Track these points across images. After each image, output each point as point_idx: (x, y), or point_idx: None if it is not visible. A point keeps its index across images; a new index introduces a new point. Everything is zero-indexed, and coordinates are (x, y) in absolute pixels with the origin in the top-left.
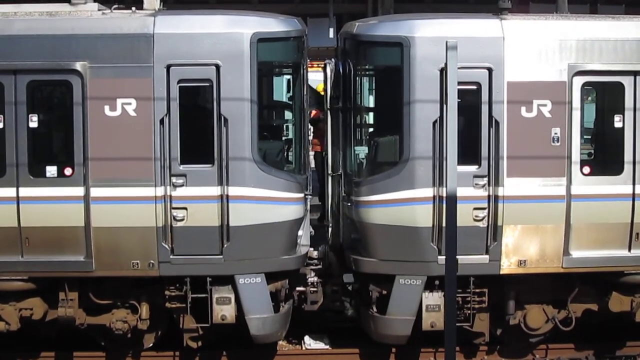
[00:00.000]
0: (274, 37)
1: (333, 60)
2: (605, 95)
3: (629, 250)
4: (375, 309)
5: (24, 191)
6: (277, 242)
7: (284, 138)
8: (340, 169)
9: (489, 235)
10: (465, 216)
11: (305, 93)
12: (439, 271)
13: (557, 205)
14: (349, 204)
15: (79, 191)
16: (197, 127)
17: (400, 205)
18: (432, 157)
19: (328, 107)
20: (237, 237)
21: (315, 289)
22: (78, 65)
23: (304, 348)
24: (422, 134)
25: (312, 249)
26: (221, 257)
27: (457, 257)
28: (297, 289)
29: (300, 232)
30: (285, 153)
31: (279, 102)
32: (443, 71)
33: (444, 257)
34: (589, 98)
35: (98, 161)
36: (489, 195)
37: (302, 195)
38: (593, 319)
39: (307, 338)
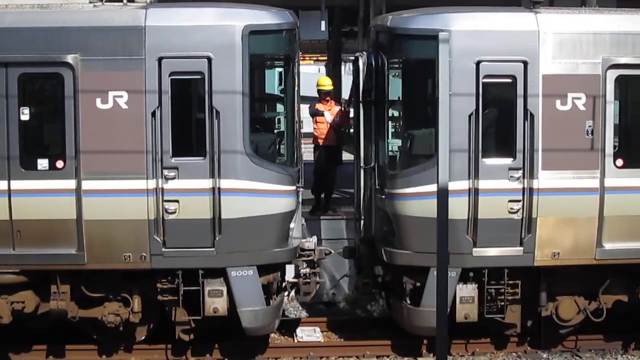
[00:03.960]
0: (265, 30)
1: (365, 53)
2: (639, 88)
3: None
4: (409, 301)
5: (16, 184)
6: (269, 234)
7: (275, 131)
8: (373, 161)
9: (524, 228)
10: (500, 208)
11: (297, 85)
12: (474, 263)
13: (591, 198)
14: (383, 197)
15: (71, 184)
16: (188, 119)
17: (436, 198)
18: (467, 150)
19: (360, 100)
20: (229, 230)
21: (307, 281)
22: (69, 58)
23: (296, 341)
24: (458, 127)
25: (304, 240)
26: (213, 249)
27: (493, 248)
28: (290, 280)
29: (292, 225)
30: (277, 146)
31: (270, 94)
32: (479, 64)
33: (479, 249)
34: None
35: (90, 154)
36: (523, 188)
37: (294, 187)
38: (622, 310)
39: (299, 330)
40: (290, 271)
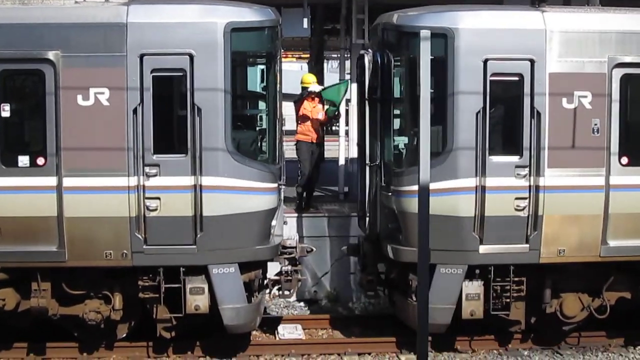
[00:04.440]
0: (248, 27)
1: (370, 51)
2: None
3: None
4: (414, 298)
5: None
6: (250, 232)
7: (257, 128)
8: (378, 159)
9: (530, 225)
10: (507, 206)
11: (279, 83)
12: (480, 260)
13: (596, 196)
14: (389, 194)
15: (52, 181)
16: (170, 116)
17: (443, 195)
18: (475, 148)
19: (366, 97)
20: (210, 227)
21: (289, 278)
22: (50, 55)
23: (277, 338)
24: (465, 125)
25: (285, 237)
26: (194, 247)
27: (499, 246)
28: (271, 277)
29: (273, 222)
30: (259, 143)
31: (252, 92)
32: (487, 62)
33: (485, 246)
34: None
35: (71, 151)
36: (530, 186)
37: (275, 185)
38: (624, 307)
39: (280, 328)
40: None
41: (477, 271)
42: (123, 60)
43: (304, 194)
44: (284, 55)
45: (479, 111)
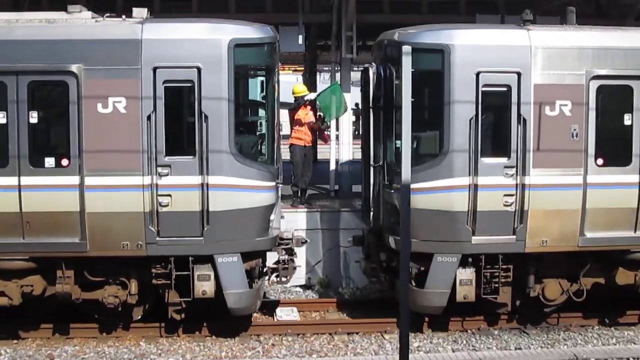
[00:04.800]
0: (249, 43)
1: (374, 64)
2: (617, 97)
3: (635, 231)
4: (414, 284)
5: (25, 180)
6: (251, 225)
7: (257, 133)
8: (382, 160)
9: (516, 219)
10: (496, 202)
11: (277, 92)
12: (473, 250)
13: (575, 193)
14: (392, 191)
15: (75, 180)
16: (180, 122)
17: (440, 192)
18: (468, 150)
19: (370, 106)
20: (216, 221)
21: (286, 266)
22: (74, 67)
23: (275, 320)
24: (460, 130)
25: (282, 230)
26: (202, 238)
27: (489, 237)
28: (270, 266)
29: (272, 217)
30: (259, 146)
31: (253, 100)
32: (479, 74)
33: (477, 237)
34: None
35: (92, 153)
36: (516, 184)
37: (273, 183)
38: (600, 291)
39: (278, 310)
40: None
41: (470, 259)
42: (138, 72)
43: (299, 192)
44: (281, 68)
45: (472, 118)
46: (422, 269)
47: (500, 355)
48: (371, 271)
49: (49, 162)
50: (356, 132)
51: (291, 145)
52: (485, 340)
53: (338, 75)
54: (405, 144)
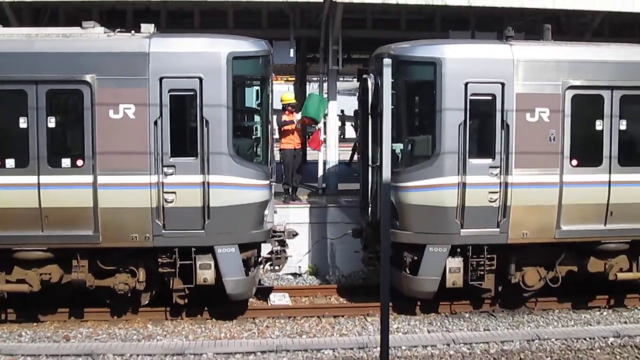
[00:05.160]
0: (246, 56)
1: (372, 75)
2: (590, 105)
3: (605, 224)
4: (408, 271)
5: (44, 179)
6: (248, 219)
7: (253, 136)
8: (379, 161)
9: (500, 213)
10: (482, 198)
11: (271, 100)
12: (461, 241)
13: (552, 190)
14: None
15: (89, 179)
16: (184, 127)
17: (432, 190)
18: (457, 152)
19: (369, 112)
20: (216, 216)
21: (278, 256)
22: (88, 77)
23: (269, 304)
24: (450, 134)
25: (276, 224)
26: (203, 231)
27: (476, 230)
28: (264, 256)
29: (266, 212)
30: (255, 148)
31: (249, 107)
32: (467, 85)
33: (465, 230)
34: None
35: (104, 154)
36: (500, 182)
37: (267, 182)
38: (573, 278)
39: (272, 296)
40: (267, 248)
41: (459, 250)
42: (146, 82)
43: (290, 190)
44: (275, 78)
45: (461, 123)
46: (416, 258)
47: (471, 335)
48: (369, 260)
49: (66, 162)
50: (341, 136)
51: (281, 150)
52: (457, 322)
53: (325, 84)
54: (386, 148)
